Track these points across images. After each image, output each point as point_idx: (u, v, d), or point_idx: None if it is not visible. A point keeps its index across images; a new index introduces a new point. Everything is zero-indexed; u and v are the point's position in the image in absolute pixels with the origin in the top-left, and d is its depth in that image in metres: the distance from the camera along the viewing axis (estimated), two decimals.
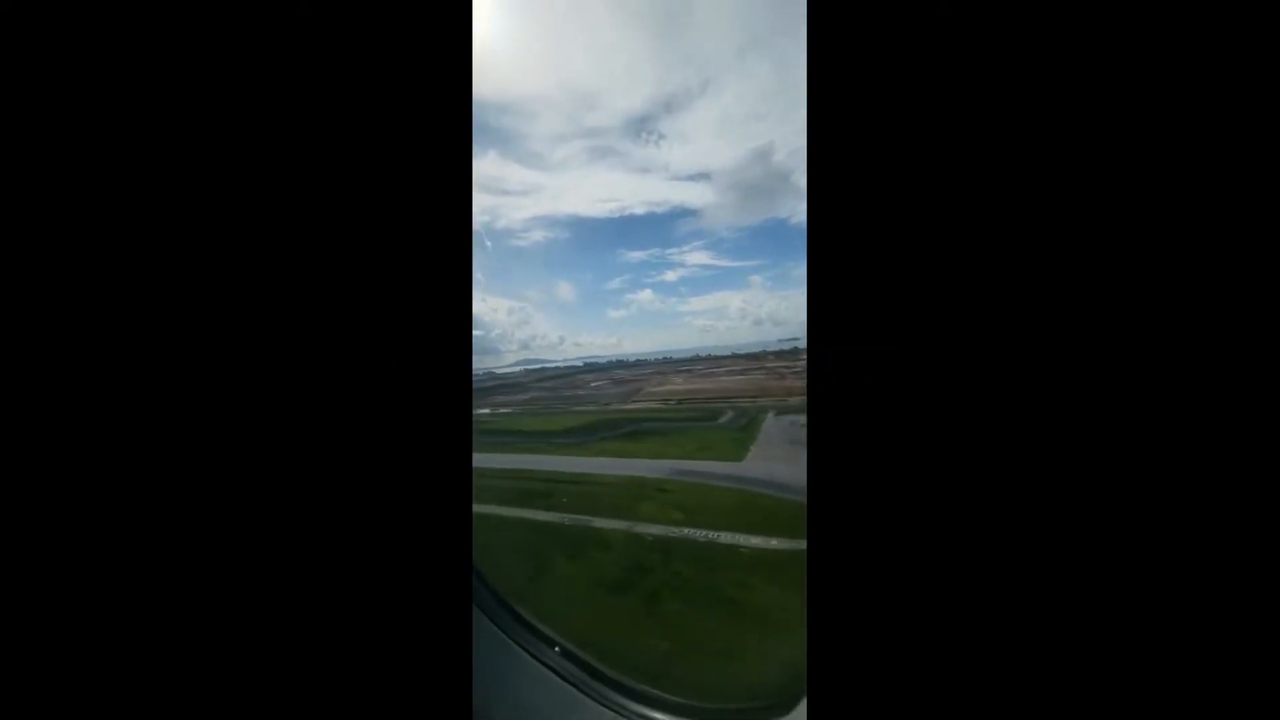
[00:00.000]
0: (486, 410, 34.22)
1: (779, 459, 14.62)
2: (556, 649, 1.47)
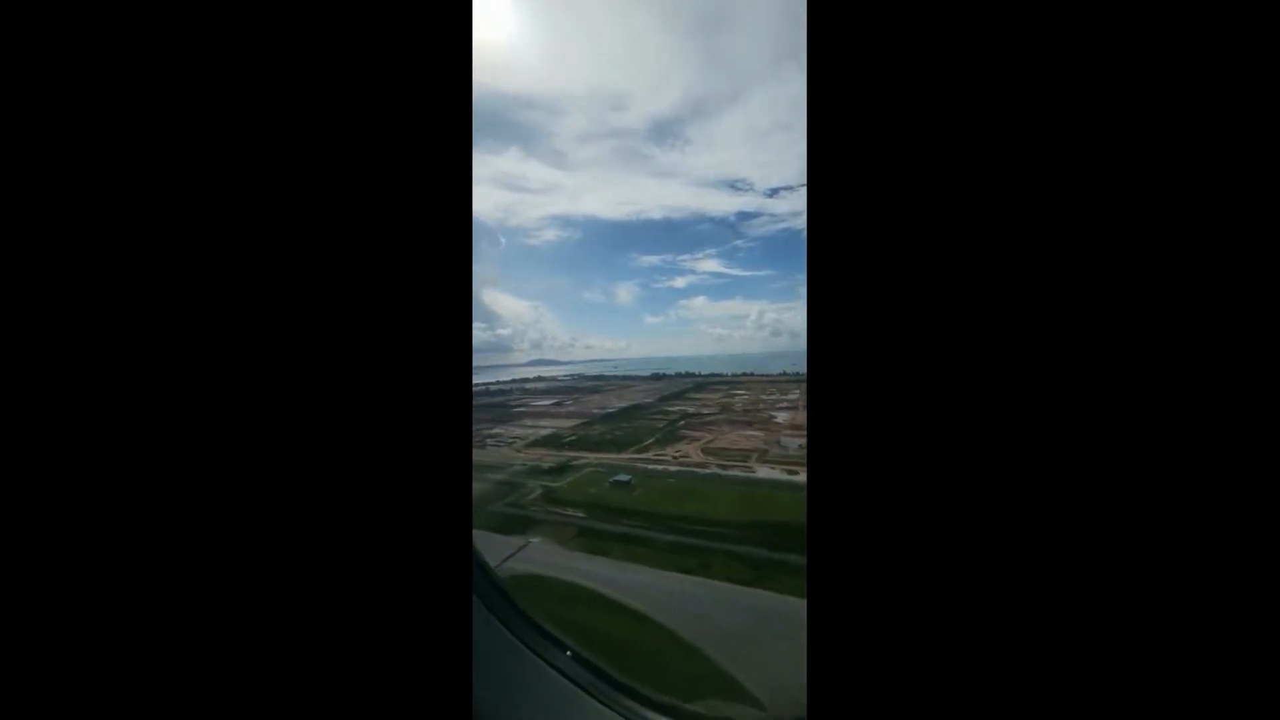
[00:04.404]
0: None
1: None
2: (568, 653, 1.44)
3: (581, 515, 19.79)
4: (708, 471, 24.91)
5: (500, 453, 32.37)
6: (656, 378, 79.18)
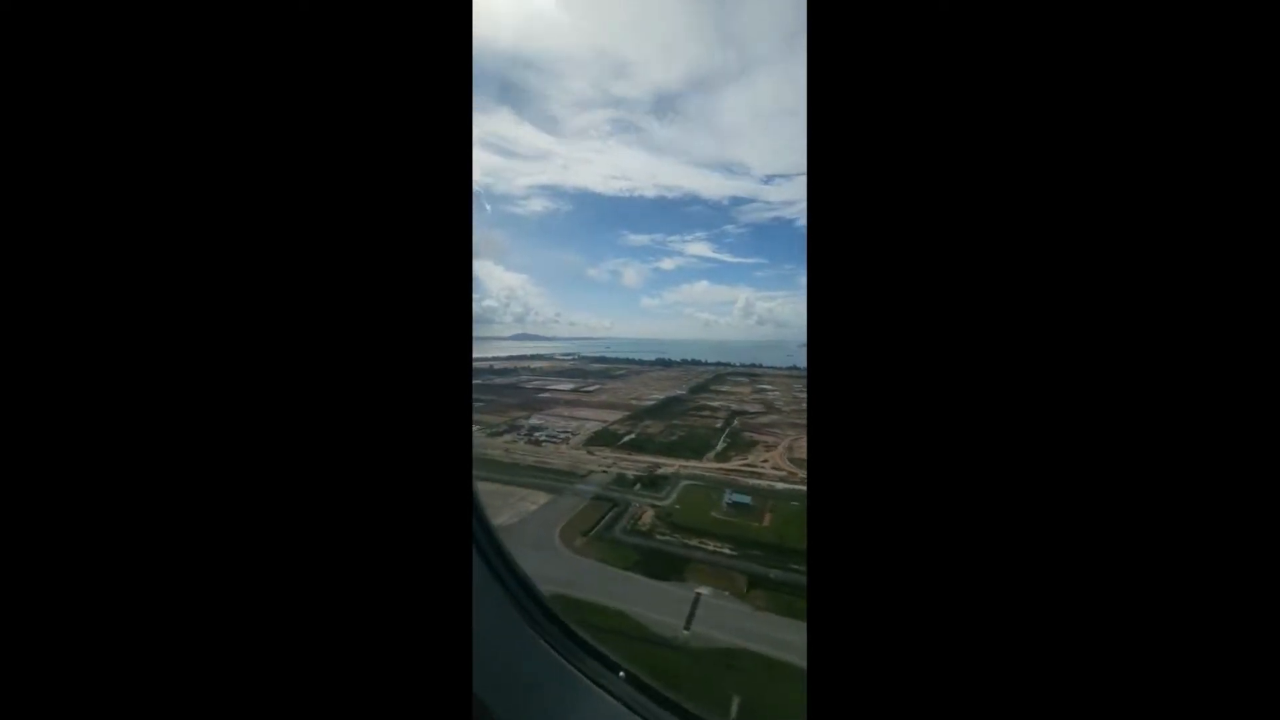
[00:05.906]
0: None
1: None
2: (621, 674, 1.40)
3: (729, 551, 16.48)
4: None
5: (558, 450, 28.56)
6: (664, 364, 75.96)
